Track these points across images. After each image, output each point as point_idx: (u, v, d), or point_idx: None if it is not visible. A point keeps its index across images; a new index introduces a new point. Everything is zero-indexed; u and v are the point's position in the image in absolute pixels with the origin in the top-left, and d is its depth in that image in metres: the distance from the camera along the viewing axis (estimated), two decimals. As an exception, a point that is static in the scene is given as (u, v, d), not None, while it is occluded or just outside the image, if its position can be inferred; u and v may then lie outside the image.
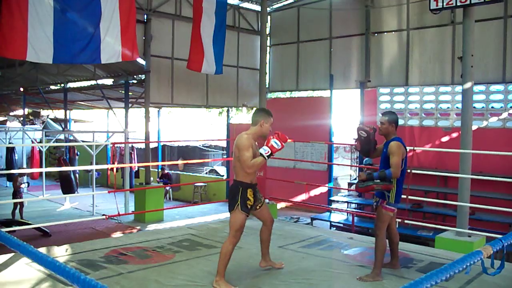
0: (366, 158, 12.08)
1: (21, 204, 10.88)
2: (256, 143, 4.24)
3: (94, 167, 11.70)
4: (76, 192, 12.96)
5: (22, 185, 10.85)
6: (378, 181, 4.17)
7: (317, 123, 12.70)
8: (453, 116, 10.38)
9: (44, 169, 14.55)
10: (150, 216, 11.14)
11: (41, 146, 14.76)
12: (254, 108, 14.64)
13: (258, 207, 4.25)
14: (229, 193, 4.18)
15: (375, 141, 4.55)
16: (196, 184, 15.07)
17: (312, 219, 10.95)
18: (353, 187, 11.75)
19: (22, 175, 10.98)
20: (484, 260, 2.72)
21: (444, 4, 6.36)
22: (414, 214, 9.59)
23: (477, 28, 6.90)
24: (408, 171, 4.59)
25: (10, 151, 16.09)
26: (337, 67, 12.65)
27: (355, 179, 12.59)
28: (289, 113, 12.85)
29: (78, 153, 15.13)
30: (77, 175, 15.76)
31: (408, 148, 4.54)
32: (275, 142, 3.98)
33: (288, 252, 5.22)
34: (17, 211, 10.79)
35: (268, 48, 13.66)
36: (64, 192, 12.72)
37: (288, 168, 12.76)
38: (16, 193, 10.74)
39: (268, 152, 3.97)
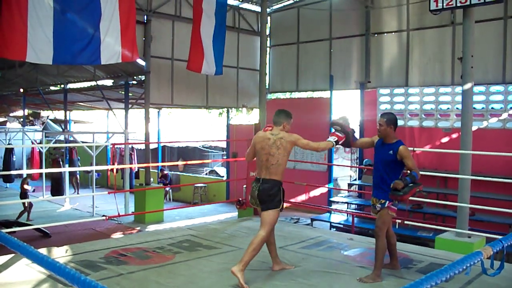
0: (366, 159, 12.05)
1: (30, 205, 10.95)
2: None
3: (94, 168, 11.70)
4: (64, 194, 12.93)
5: (25, 186, 10.87)
6: (412, 184, 4.19)
7: (317, 124, 12.70)
8: (453, 117, 10.38)
9: (44, 170, 14.54)
10: (150, 217, 11.15)
11: (41, 147, 14.78)
12: (254, 109, 14.75)
13: None
14: (267, 191, 4.19)
15: (353, 131, 4.55)
16: (196, 185, 15.07)
17: (312, 220, 10.95)
18: (355, 189, 11.75)
19: (29, 177, 11.04)
20: (484, 261, 2.72)
21: (444, 4, 6.35)
22: (414, 215, 9.59)
23: (477, 28, 6.89)
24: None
25: (9, 152, 16.08)
26: (337, 68, 12.66)
27: (355, 179, 12.59)
28: (289, 114, 12.83)
29: (79, 158, 15.16)
30: (77, 176, 15.83)
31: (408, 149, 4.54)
32: (339, 132, 4.40)
33: (288, 253, 5.21)
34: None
35: (268, 48, 13.66)
36: (53, 194, 12.66)
37: (288, 168, 12.63)
38: (23, 195, 10.78)
39: (335, 139, 4.36)
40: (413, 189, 4.18)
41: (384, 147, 4.39)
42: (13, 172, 12.47)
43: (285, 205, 4.35)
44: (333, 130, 4.54)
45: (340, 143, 4.56)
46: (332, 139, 4.36)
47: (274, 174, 4.21)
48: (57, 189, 12.81)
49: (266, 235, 4.15)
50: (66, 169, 13.39)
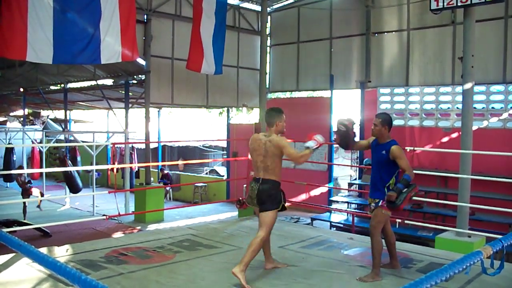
0: (366, 159, 12.06)
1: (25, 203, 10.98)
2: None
3: (94, 167, 11.70)
4: (80, 191, 12.96)
5: (26, 186, 10.88)
6: (406, 189, 4.16)
7: (317, 124, 12.69)
8: (453, 117, 10.37)
9: (44, 170, 14.54)
10: (151, 216, 11.15)
11: (41, 147, 14.77)
12: (254, 108, 14.75)
13: None
14: (266, 192, 4.18)
15: (354, 134, 4.60)
16: (196, 185, 15.07)
17: (312, 219, 10.95)
18: (355, 188, 11.75)
19: (20, 175, 11.03)
20: (484, 261, 2.72)
21: (445, 4, 6.35)
22: (414, 215, 9.59)
23: (478, 28, 6.89)
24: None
25: (9, 151, 16.07)
26: (338, 68, 12.65)
27: (355, 179, 12.59)
28: (289, 114, 12.73)
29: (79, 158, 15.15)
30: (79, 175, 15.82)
31: (408, 148, 4.56)
32: (320, 136, 4.26)
33: (288, 252, 5.22)
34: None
35: (268, 48, 13.65)
36: (72, 192, 12.69)
37: (288, 168, 12.69)
38: (24, 192, 10.79)
39: (316, 145, 4.22)
40: (408, 195, 4.16)
41: (378, 147, 4.41)
42: (13, 172, 12.47)
43: (287, 205, 4.34)
44: (337, 129, 4.56)
45: (338, 142, 4.61)
46: (313, 144, 4.22)
47: (272, 174, 4.21)
48: (73, 185, 12.80)
49: (266, 236, 4.15)
50: (67, 169, 13.37)
